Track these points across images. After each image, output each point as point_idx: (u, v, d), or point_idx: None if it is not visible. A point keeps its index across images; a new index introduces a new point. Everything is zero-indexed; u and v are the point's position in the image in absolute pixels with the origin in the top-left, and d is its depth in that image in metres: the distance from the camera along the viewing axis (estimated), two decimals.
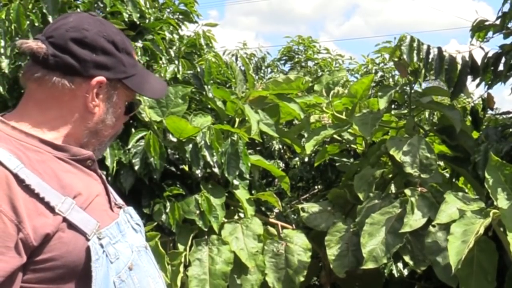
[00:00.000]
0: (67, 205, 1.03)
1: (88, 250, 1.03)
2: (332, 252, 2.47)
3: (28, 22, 2.44)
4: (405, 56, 2.67)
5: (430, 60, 2.71)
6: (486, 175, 2.20)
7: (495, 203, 2.13)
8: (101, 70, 1.12)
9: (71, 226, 1.02)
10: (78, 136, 1.14)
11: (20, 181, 0.99)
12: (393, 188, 2.99)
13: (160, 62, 2.70)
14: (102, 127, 1.16)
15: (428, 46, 2.71)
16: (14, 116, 1.12)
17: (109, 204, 1.18)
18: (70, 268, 1.02)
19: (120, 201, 1.24)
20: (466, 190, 2.84)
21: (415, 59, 2.68)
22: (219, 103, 2.70)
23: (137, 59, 1.26)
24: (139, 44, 2.62)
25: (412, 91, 2.94)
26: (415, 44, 2.68)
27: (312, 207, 2.75)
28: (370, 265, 2.29)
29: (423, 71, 2.76)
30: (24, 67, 1.16)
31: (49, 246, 1.00)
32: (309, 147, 2.77)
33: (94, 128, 1.15)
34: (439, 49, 2.73)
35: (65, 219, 1.02)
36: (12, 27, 2.43)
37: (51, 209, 1.01)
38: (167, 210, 2.34)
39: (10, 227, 0.95)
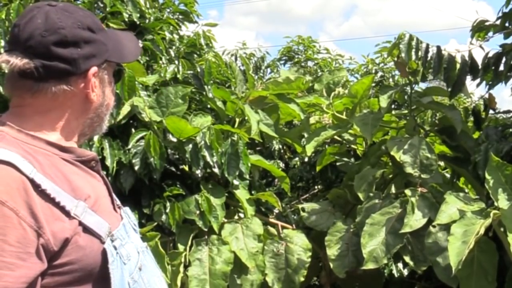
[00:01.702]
0: (81, 209, 1.02)
1: (104, 252, 1.03)
2: (332, 252, 2.47)
3: None
4: (403, 55, 2.65)
5: (428, 58, 2.70)
6: (487, 175, 2.20)
7: (495, 203, 2.13)
8: (90, 60, 1.10)
9: (86, 229, 1.02)
10: (81, 127, 1.14)
11: (36, 186, 0.97)
12: (393, 188, 2.99)
13: (160, 62, 2.70)
14: (103, 109, 1.16)
15: (427, 45, 2.70)
16: (13, 119, 1.07)
17: (112, 205, 1.17)
18: (87, 271, 1.02)
19: (118, 202, 1.23)
20: (467, 191, 2.84)
21: (413, 57, 2.66)
22: (219, 103, 2.70)
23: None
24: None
25: (413, 91, 2.93)
26: (413, 43, 2.67)
27: (312, 207, 2.75)
28: (370, 266, 2.29)
29: (421, 70, 2.75)
30: (7, 82, 1.11)
31: (67, 250, 0.99)
32: (309, 148, 2.77)
33: (95, 113, 1.15)
34: (438, 47, 2.72)
35: (80, 223, 1.01)
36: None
37: (67, 213, 1.00)
38: (167, 210, 2.34)
39: (30, 233, 0.94)
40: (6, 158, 0.96)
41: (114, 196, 1.22)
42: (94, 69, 1.10)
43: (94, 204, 1.06)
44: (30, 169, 0.98)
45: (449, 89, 2.78)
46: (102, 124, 1.18)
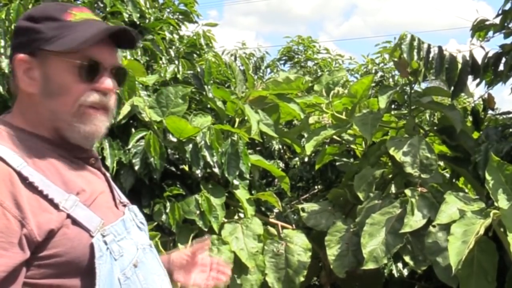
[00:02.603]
0: (71, 202, 1.03)
1: (92, 246, 1.03)
2: (332, 252, 2.47)
3: None
4: (405, 55, 2.65)
5: (430, 59, 2.70)
6: (487, 175, 2.19)
7: (495, 203, 2.13)
8: (18, 49, 1.11)
9: (75, 222, 1.03)
10: (41, 123, 1.11)
11: (24, 179, 0.99)
12: (393, 188, 2.99)
13: (160, 62, 2.70)
14: (54, 103, 1.10)
15: (429, 45, 2.70)
16: (13, 117, 1.12)
17: (114, 202, 1.18)
18: (74, 264, 1.02)
19: (124, 199, 1.24)
20: (466, 190, 2.84)
21: (415, 58, 2.66)
22: (219, 103, 2.70)
23: (86, 18, 1.14)
24: (139, 44, 2.62)
25: (412, 91, 2.93)
26: (415, 43, 2.67)
27: (312, 207, 2.75)
28: (370, 266, 2.29)
29: (422, 70, 2.75)
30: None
31: (54, 242, 1.00)
32: (309, 147, 2.77)
33: (46, 109, 1.10)
34: (440, 48, 2.72)
35: (69, 216, 1.02)
36: (12, 27, 2.43)
37: (55, 206, 1.01)
38: (167, 210, 2.34)
39: (14, 223, 0.96)
40: None
41: (119, 193, 1.23)
42: (18, 56, 1.10)
43: (88, 199, 1.07)
44: (19, 162, 1.00)
45: (451, 89, 2.78)
46: (72, 126, 1.11)
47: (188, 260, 1.41)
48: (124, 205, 1.21)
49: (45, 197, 1.01)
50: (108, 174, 1.22)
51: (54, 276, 1.01)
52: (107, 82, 1.13)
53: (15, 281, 0.97)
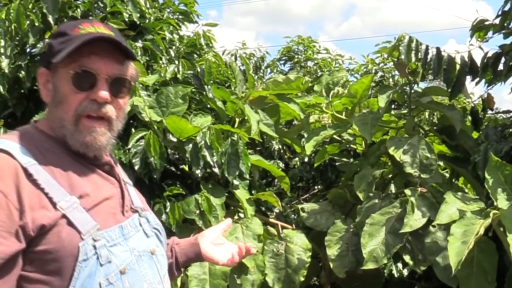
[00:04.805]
0: (69, 203, 1.09)
1: (78, 249, 1.07)
2: (332, 252, 2.47)
3: (28, 22, 2.44)
4: (403, 57, 2.66)
5: (428, 60, 2.70)
6: (486, 175, 2.20)
7: (495, 203, 2.13)
8: (41, 64, 1.25)
9: (70, 223, 1.08)
10: (56, 129, 1.19)
11: (29, 175, 1.07)
12: (393, 188, 2.99)
13: (160, 62, 2.70)
14: (59, 111, 1.18)
15: (427, 46, 2.71)
16: (41, 122, 1.23)
17: (122, 208, 1.21)
18: (62, 262, 1.06)
19: (138, 205, 1.28)
20: (466, 190, 2.84)
21: (413, 59, 2.67)
22: (219, 103, 2.70)
23: (90, 30, 1.19)
24: (139, 44, 2.62)
25: (412, 91, 2.94)
26: (413, 45, 2.67)
27: (312, 207, 2.75)
28: (370, 266, 2.29)
29: (421, 71, 2.75)
30: None
31: (47, 239, 1.05)
32: (309, 147, 2.77)
33: (55, 117, 1.19)
34: (438, 49, 2.73)
35: (64, 216, 1.07)
36: (12, 27, 2.43)
37: (53, 205, 1.07)
38: (167, 210, 2.34)
39: (15, 215, 1.03)
40: (5, 148, 1.09)
41: (132, 199, 1.28)
42: (40, 71, 1.22)
43: (90, 203, 1.12)
44: (28, 160, 1.09)
45: (449, 90, 2.78)
46: (71, 134, 1.17)
47: (218, 237, 1.51)
48: (136, 211, 1.25)
49: (46, 195, 1.07)
50: (124, 181, 1.27)
51: (43, 271, 1.06)
52: (102, 92, 1.17)
53: (12, 270, 1.03)
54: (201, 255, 1.48)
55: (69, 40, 1.16)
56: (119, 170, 1.30)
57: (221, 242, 1.52)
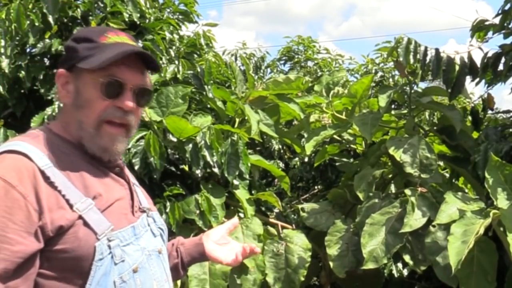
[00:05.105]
0: (85, 205, 1.13)
1: (95, 249, 1.12)
2: (332, 252, 2.47)
3: (28, 22, 2.44)
4: (401, 58, 2.67)
5: (427, 61, 2.70)
6: (486, 175, 2.20)
7: (495, 203, 2.13)
8: (60, 65, 1.26)
9: (86, 224, 1.12)
10: (73, 132, 1.23)
11: (46, 177, 1.11)
12: (393, 188, 3.00)
13: (160, 62, 2.70)
14: (81, 114, 1.22)
15: (426, 48, 2.71)
16: (54, 124, 1.26)
17: (132, 209, 1.27)
18: (78, 262, 1.10)
19: (146, 205, 1.33)
20: (466, 190, 2.84)
21: (411, 61, 2.68)
22: (219, 103, 2.70)
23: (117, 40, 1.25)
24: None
25: (412, 91, 2.94)
26: (411, 46, 2.68)
27: (312, 207, 2.76)
28: (370, 265, 2.29)
29: (420, 72, 2.75)
30: None
31: (64, 239, 1.09)
32: (309, 147, 2.77)
33: (74, 118, 1.23)
34: (437, 50, 2.73)
35: (80, 217, 1.12)
36: (12, 27, 2.43)
37: (70, 206, 1.11)
38: (167, 210, 2.34)
39: (34, 216, 1.07)
40: (23, 150, 1.12)
41: (140, 200, 1.32)
42: (59, 71, 1.25)
43: (103, 204, 1.17)
44: (45, 163, 1.13)
45: (449, 91, 2.78)
46: (92, 137, 1.21)
47: (222, 237, 1.55)
48: (144, 211, 1.30)
49: (63, 197, 1.11)
50: (133, 182, 1.32)
51: (60, 270, 1.10)
52: (128, 102, 1.23)
53: (31, 268, 1.07)
54: (206, 255, 1.51)
55: (97, 47, 1.21)
56: (127, 171, 1.35)
57: (225, 241, 1.55)
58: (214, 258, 1.51)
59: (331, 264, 2.45)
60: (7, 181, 1.07)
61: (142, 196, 1.36)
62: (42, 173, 1.11)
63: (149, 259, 1.23)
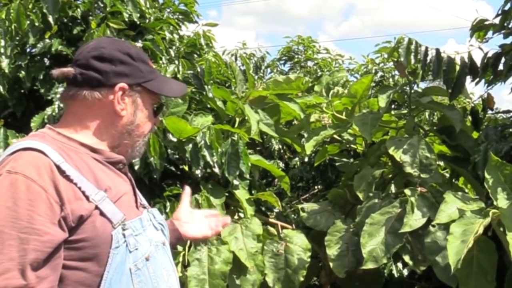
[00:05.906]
0: (99, 196, 1.19)
1: (112, 237, 1.19)
2: (332, 252, 2.47)
3: (28, 22, 2.44)
4: (402, 59, 2.67)
5: (428, 61, 2.70)
6: (486, 175, 2.20)
7: (495, 203, 2.13)
8: (122, 78, 1.30)
9: (102, 214, 1.19)
10: (111, 138, 1.31)
11: (62, 171, 1.17)
12: (393, 188, 2.99)
13: (160, 62, 2.70)
14: (133, 127, 1.33)
15: (426, 48, 2.71)
16: (58, 125, 1.31)
17: (136, 203, 1.34)
18: (97, 250, 1.17)
19: (145, 202, 1.42)
20: (466, 190, 2.84)
21: (412, 61, 2.68)
22: (219, 103, 2.70)
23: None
24: (139, 44, 2.62)
25: (412, 91, 2.94)
26: (412, 47, 2.68)
27: (312, 207, 2.75)
28: (370, 265, 2.29)
29: (420, 72, 2.75)
30: (63, 91, 1.37)
31: (82, 228, 1.16)
32: (309, 147, 2.77)
33: (125, 129, 1.32)
34: (437, 50, 2.73)
35: (97, 207, 1.18)
36: (12, 27, 2.43)
37: (87, 198, 1.18)
38: (167, 210, 2.35)
39: (56, 208, 1.12)
40: (39, 147, 1.18)
41: (140, 197, 1.40)
42: (122, 84, 1.29)
43: (114, 196, 1.23)
44: (59, 158, 1.18)
45: (449, 91, 2.78)
46: (134, 146, 1.36)
47: (186, 214, 1.66)
48: (144, 207, 1.38)
49: (79, 189, 1.17)
50: (132, 179, 1.39)
51: (79, 258, 1.16)
52: (159, 119, 1.43)
53: (59, 257, 1.13)
54: (182, 238, 1.61)
55: (153, 72, 1.36)
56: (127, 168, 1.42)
57: (192, 217, 1.67)
58: (192, 237, 1.64)
59: (331, 264, 2.45)
60: (27, 176, 1.12)
61: (140, 193, 1.42)
62: (58, 167, 1.16)
63: (157, 250, 1.30)
